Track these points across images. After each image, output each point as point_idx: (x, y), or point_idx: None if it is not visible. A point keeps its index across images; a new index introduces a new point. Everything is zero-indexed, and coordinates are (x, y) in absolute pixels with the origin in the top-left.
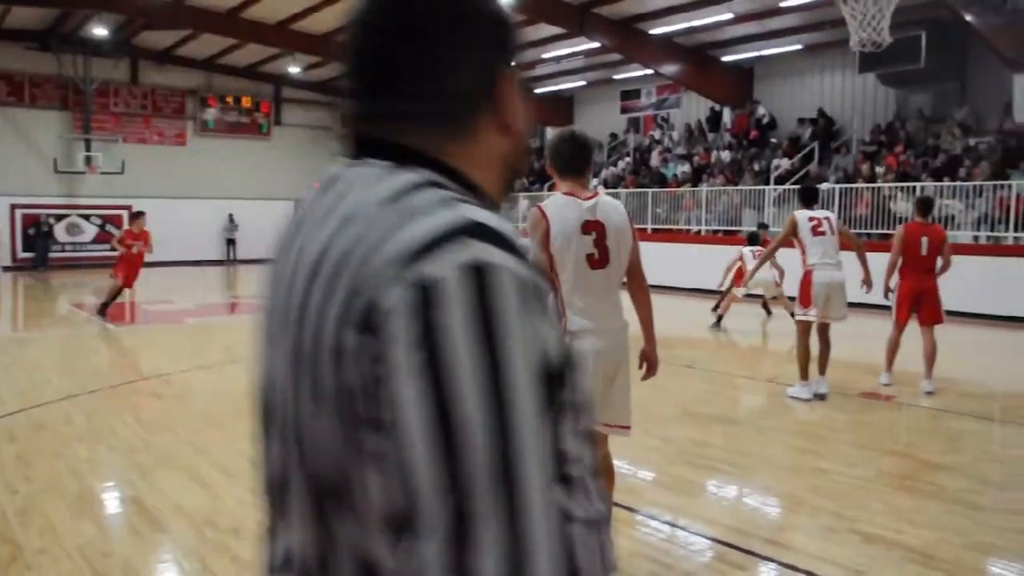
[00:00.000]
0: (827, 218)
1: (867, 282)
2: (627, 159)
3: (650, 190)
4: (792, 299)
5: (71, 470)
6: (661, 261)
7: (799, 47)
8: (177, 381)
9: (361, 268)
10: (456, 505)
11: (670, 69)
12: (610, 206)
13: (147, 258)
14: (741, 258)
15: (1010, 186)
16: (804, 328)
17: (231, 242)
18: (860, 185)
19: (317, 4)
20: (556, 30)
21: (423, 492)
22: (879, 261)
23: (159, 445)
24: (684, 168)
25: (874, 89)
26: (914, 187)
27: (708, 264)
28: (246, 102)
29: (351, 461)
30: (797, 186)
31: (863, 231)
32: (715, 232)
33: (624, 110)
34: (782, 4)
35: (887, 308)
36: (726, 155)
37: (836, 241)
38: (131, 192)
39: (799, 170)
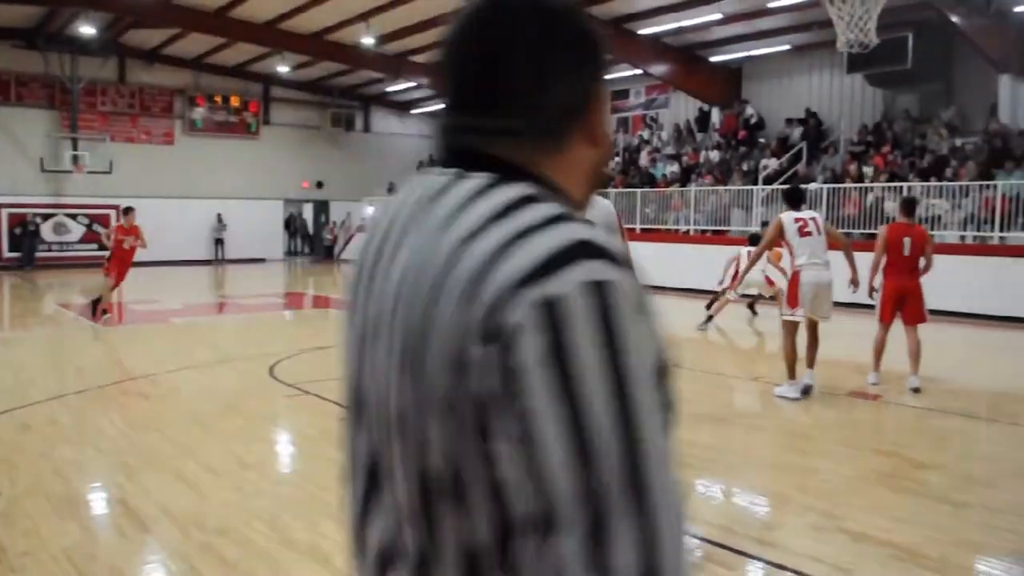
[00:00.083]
0: (813, 218)
1: (854, 282)
2: (616, 159)
3: (639, 190)
4: None
5: (56, 471)
6: (650, 261)
7: (787, 47)
8: (164, 381)
9: (485, 285)
10: (593, 506)
11: (659, 69)
12: (599, 205)
13: (135, 257)
14: (738, 259)
15: (996, 186)
16: (791, 328)
17: (219, 242)
18: (848, 185)
19: (305, 3)
20: None
21: (562, 496)
22: (867, 261)
23: (145, 445)
24: (673, 168)
25: (862, 89)
26: (901, 187)
27: (697, 264)
28: (234, 101)
29: (466, 463)
30: (785, 186)
31: (851, 231)
32: (704, 232)
33: (613, 110)
34: (770, 5)
35: (873, 307)
36: (715, 155)
37: (824, 241)
38: (119, 192)
39: (787, 170)
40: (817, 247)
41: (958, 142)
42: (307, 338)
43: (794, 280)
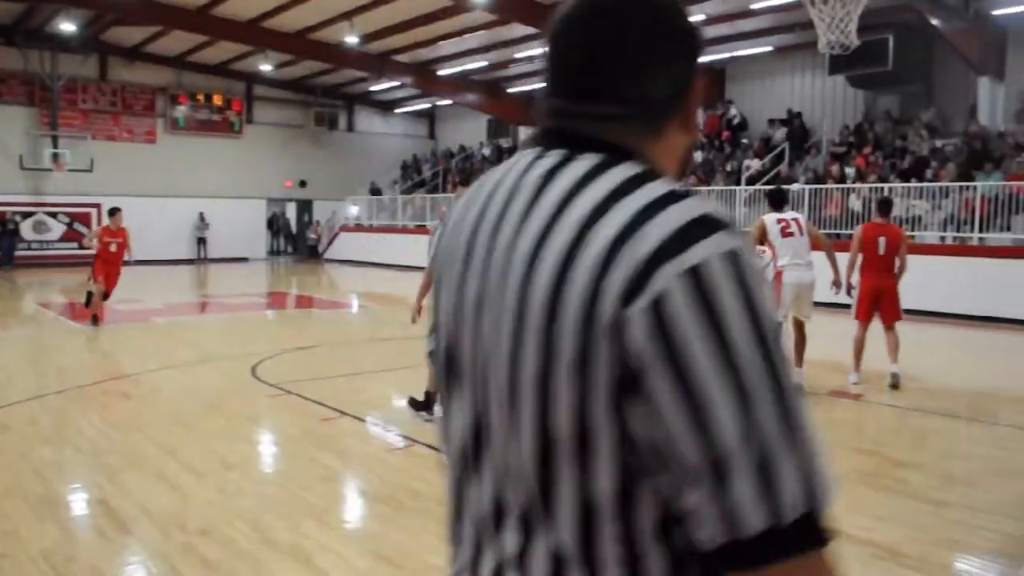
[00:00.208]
0: (795, 219)
1: (837, 283)
2: None
3: None
4: None
5: (35, 472)
6: None
7: (770, 49)
8: (145, 381)
9: (622, 255)
10: (760, 450)
11: None
12: None
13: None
14: None
15: (975, 187)
16: None
17: (202, 241)
18: (830, 186)
19: (288, 2)
20: (529, 30)
21: (731, 443)
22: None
23: (126, 446)
24: None
25: (843, 91)
26: (881, 188)
27: None
28: (217, 100)
29: (595, 420)
30: (768, 187)
31: (832, 232)
32: None
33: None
34: (753, 6)
35: (850, 307)
36: (698, 155)
37: (806, 242)
38: (100, 190)
39: (770, 171)
40: (799, 248)
41: (938, 143)
42: (290, 338)
43: (776, 280)
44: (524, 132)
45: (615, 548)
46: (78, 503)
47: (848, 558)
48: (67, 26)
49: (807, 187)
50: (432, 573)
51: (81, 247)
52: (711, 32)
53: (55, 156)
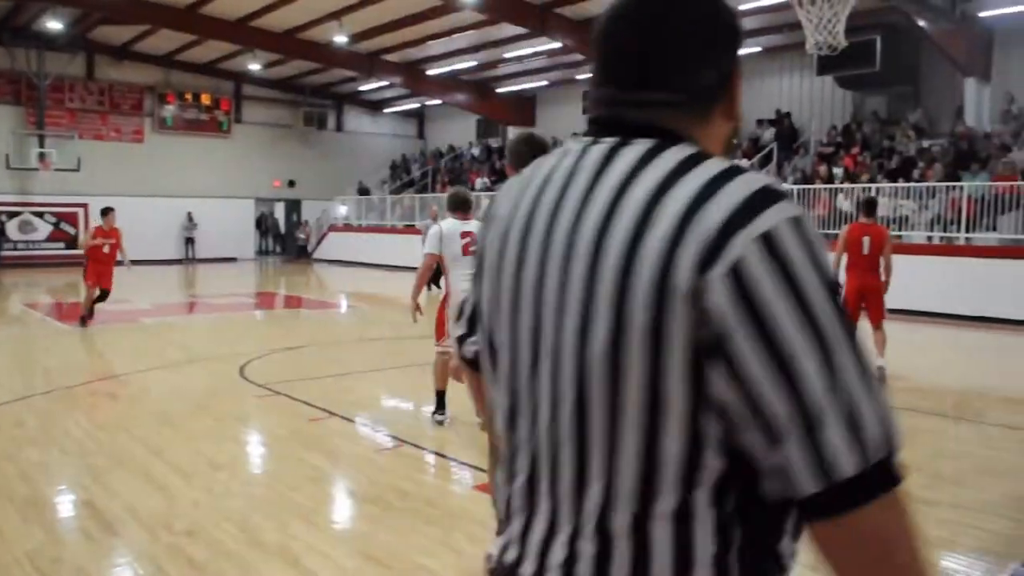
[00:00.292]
0: None
1: None
2: None
3: None
4: None
5: (21, 474)
6: None
7: (758, 49)
8: (133, 381)
9: (694, 226)
10: (846, 400)
11: None
12: None
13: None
14: None
15: (961, 187)
16: None
17: (190, 241)
18: (818, 186)
19: (276, 2)
20: (518, 30)
21: (820, 393)
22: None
23: (113, 447)
24: None
25: (832, 91)
26: (869, 188)
27: None
28: (206, 99)
29: (667, 385)
30: None
31: (821, 232)
32: None
33: (586, 110)
34: (741, 7)
35: None
36: None
37: None
38: (87, 190)
39: (758, 171)
40: None
41: (925, 144)
42: (278, 338)
43: None
44: (513, 132)
45: (669, 513)
46: (64, 504)
47: None
48: (54, 24)
49: (795, 187)
50: (420, 573)
51: (68, 246)
52: None
53: (42, 155)
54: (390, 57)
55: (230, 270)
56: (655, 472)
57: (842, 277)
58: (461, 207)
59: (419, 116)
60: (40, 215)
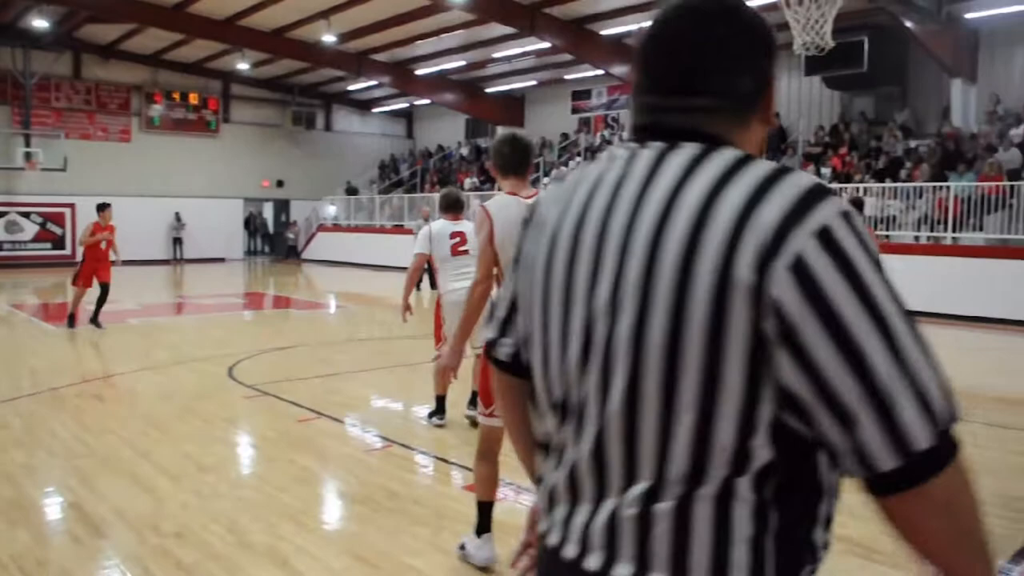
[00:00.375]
0: None
1: None
2: (578, 159)
3: None
4: None
5: (6, 476)
6: None
7: None
8: (120, 383)
9: (752, 222)
10: (912, 381)
11: (620, 70)
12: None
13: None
14: None
15: (948, 187)
16: None
17: (178, 241)
18: None
19: (264, 0)
20: (507, 30)
21: (889, 374)
22: None
23: (100, 449)
24: None
25: (819, 92)
26: (856, 188)
27: None
28: (193, 99)
29: (725, 374)
30: None
31: None
32: None
33: (575, 110)
34: None
35: None
36: None
37: None
38: (74, 189)
39: None
40: None
41: (912, 144)
42: (267, 338)
43: None
44: (501, 131)
45: (712, 496)
46: (50, 507)
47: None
48: (40, 23)
49: None
50: (409, 573)
51: (55, 247)
52: None
53: (28, 155)
54: (379, 57)
55: (218, 270)
56: (706, 459)
57: None
58: (452, 208)
59: (408, 116)
60: (27, 215)
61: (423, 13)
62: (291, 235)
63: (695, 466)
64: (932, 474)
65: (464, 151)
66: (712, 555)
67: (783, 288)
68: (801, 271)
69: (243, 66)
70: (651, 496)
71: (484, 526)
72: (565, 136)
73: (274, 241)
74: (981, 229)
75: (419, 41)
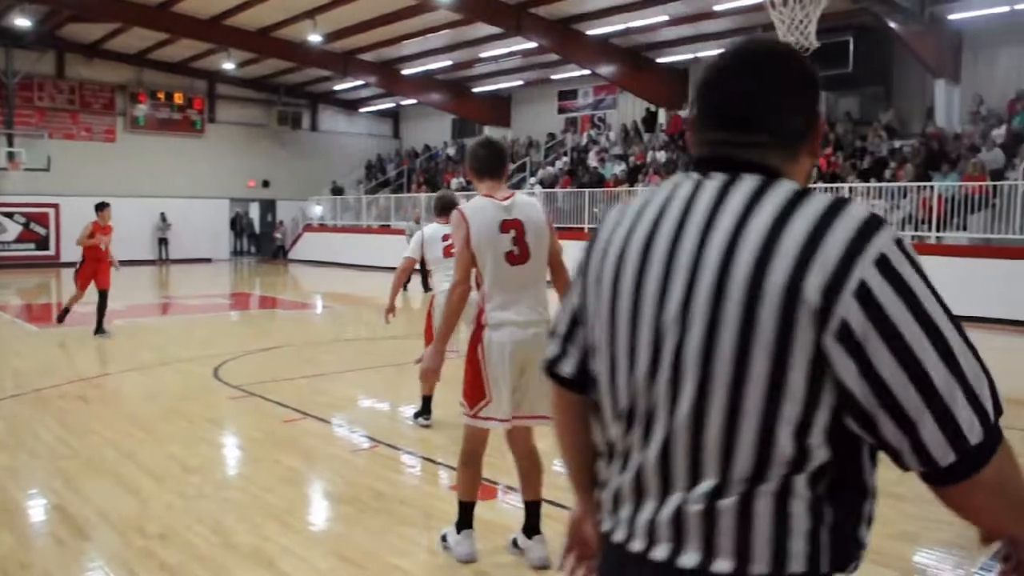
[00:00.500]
0: None
1: None
2: (564, 159)
3: (588, 190)
4: None
5: None
6: None
7: None
8: (105, 384)
9: (818, 251)
10: (965, 390)
11: (607, 70)
12: (527, 205)
13: (77, 258)
14: None
15: (932, 187)
16: None
17: (163, 241)
18: None
19: (250, 0)
20: (493, 30)
21: (947, 380)
22: None
23: (84, 450)
24: (621, 168)
25: None
26: (841, 188)
27: None
28: (178, 98)
29: (788, 387)
30: None
31: None
32: None
33: (561, 110)
34: (716, 8)
35: None
36: (662, 155)
37: None
38: (58, 190)
39: None
40: None
41: (897, 144)
42: (253, 339)
43: None
44: (488, 131)
45: (772, 492)
46: (34, 509)
47: None
48: (22, 21)
49: None
50: (395, 574)
51: (39, 248)
52: (674, 33)
53: (11, 155)
54: (365, 56)
55: (204, 271)
56: (768, 460)
57: None
58: (445, 211)
59: (394, 116)
60: (9, 215)
61: (409, 13)
62: (279, 235)
63: (758, 465)
64: (984, 463)
65: (451, 151)
66: (773, 546)
67: (850, 311)
68: (865, 296)
69: (228, 66)
70: (716, 493)
71: (465, 523)
72: (552, 136)
73: (260, 241)
74: (965, 229)
75: (405, 41)
